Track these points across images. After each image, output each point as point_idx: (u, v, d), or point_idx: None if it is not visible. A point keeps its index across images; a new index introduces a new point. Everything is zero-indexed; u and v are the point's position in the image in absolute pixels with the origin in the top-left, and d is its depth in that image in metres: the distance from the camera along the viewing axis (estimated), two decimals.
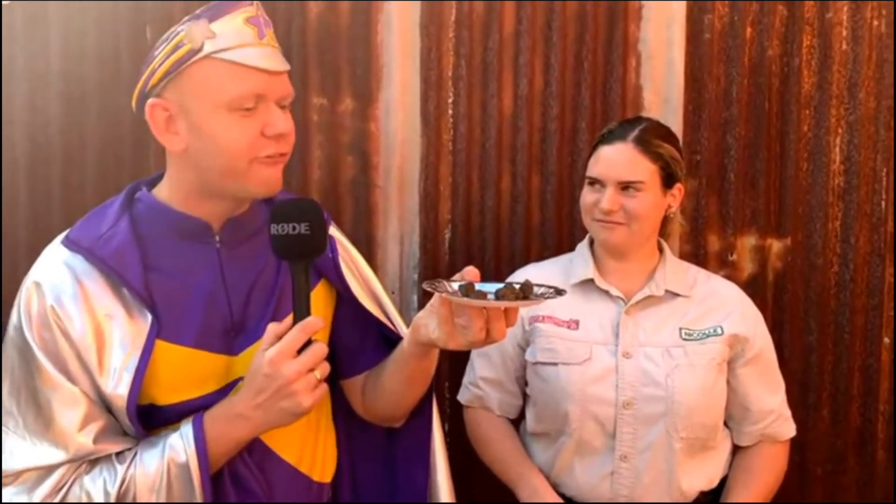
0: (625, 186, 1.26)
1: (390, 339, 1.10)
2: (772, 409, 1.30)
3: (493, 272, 1.72)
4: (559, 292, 0.87)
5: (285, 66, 0.96)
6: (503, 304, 0.84)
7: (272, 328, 0.90)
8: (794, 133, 1.66)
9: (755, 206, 1.68)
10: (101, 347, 0.92)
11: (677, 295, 1.30)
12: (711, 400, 1.25)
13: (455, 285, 0.88)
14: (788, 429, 1.33)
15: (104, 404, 0.93)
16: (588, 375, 1.25)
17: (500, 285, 0.88)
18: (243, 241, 1.02)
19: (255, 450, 0.99)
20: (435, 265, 1.73)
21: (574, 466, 1.27)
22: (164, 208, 0.98)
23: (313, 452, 1.06)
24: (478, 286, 0.88)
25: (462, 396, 1.43)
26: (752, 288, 1.60)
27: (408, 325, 1.02)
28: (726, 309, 1.30)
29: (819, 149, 1.65)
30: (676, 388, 1.22)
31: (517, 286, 0.87)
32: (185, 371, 0.96)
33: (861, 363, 1.67)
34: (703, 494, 1.28)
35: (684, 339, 1.26)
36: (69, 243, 0.96)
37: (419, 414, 1.11)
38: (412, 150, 1.72)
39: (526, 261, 1.68)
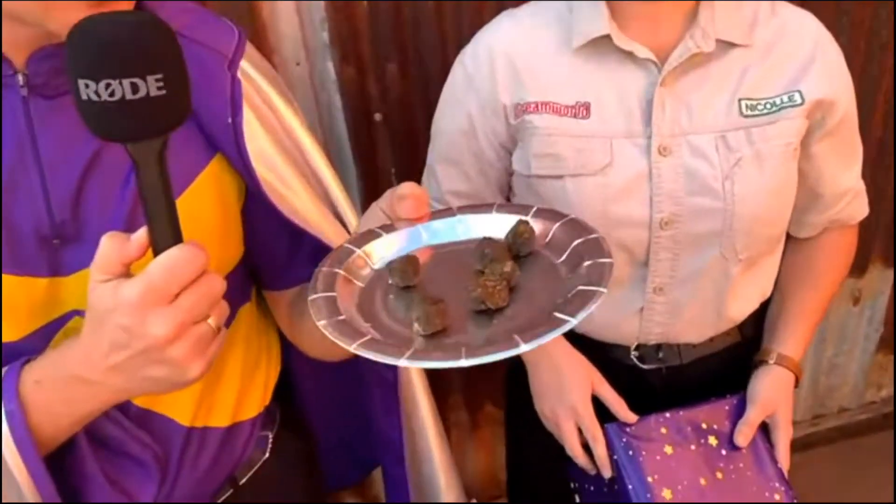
0: None
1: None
2: (847, 189, 0.97)
3: (436, 38, 1.20)
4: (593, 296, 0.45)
5: None
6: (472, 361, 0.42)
7: (110, 245, 0.50)
8: None
9: None
10: None
11: (733, 45, 0.86)
12: (783, 201, 0.90)
13: (376, 262, 0.53)
14: (861, 207, 1.00)
15: None
16: (610, 189, 0.86)
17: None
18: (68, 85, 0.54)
19: (129, 410, 0.66)
20: (350, 21, 1.20)
21: None
22: None
23: (226, 396, 0.73)
24: (426, 239, 0.53)
25: None
26: None
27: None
28: (802, 58, 0.87)
29: None
30: (738, 194, 0.85)
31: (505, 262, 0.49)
32: None
33: None
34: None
35: (746, 116, 0.86)
36: None
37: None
38: None
39: (479, 17, 1.17)
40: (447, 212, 0.55)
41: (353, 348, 0.43)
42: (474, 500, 1.86)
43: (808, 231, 1.00)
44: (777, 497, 0.87)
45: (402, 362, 0.41)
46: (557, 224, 0.54)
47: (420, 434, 0.89)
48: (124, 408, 0.65)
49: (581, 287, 0.46)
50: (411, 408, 0.87)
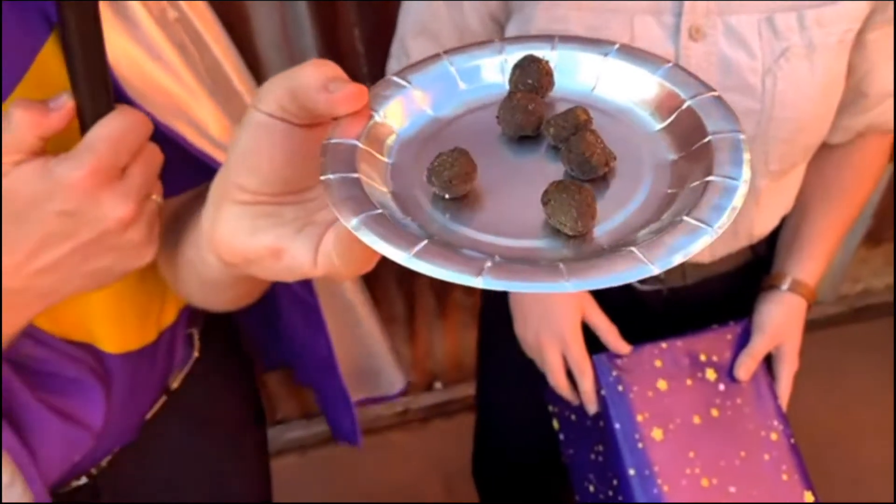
0: None
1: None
2: (892, 91, 0.81)
3: None
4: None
5: None
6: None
7: (23, 116, 0.40)
8: None
9: None
10: None
11: None
12: (830, 104, 0.74)
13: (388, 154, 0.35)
14: None
15: None
16: None
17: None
18: None
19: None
20: None
21: None
22: None
23: (147, 311, 0.62)
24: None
25: None
26: None
27: None
28: None
29: None
30: (780, 94, 0.69)
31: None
32: None
33: None
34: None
35: None
36: None
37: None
38: None
39: None
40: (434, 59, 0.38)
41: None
42: (439, 384, 1.82)
43: (841, 136, 0.85)
44: (773, 436, 0.80)
45: (650, 269, 0.28)
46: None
47: (353, 330, 0.84)
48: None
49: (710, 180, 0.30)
50: (340, 311, 0.80)
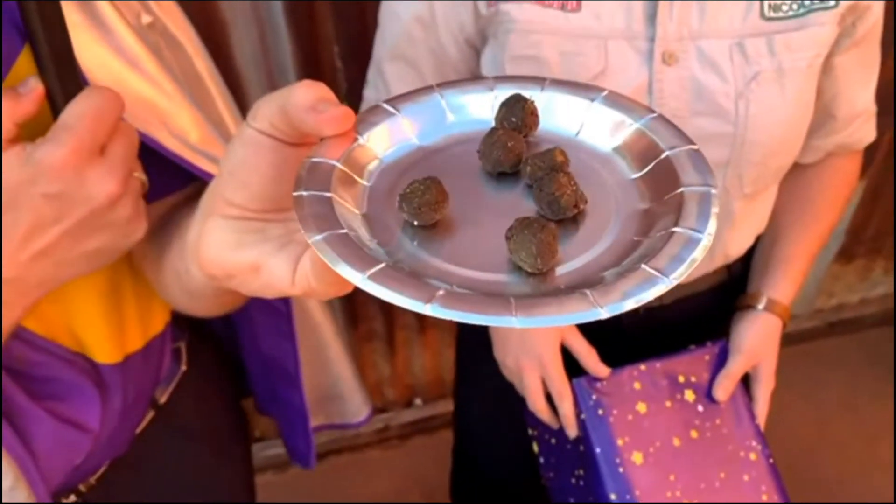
0: None
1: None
2: (862, 111, 0.82)
3: None
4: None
5: None
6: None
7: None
8: None
9: None
10: None
11: None
12: (801, 127, 0.75)
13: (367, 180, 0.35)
14: (871, 131, 0.86)
15: None
16: None
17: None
18: None
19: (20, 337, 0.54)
20: None
21: None
22: None
23: (132, 316, 0.61)
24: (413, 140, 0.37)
25: None
26: None
27: None
28: None
29: None
30: (752, 117, 0.70)
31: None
32: None
33: None
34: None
35: (769, 20, 0.69)
36: None
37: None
38: None
39: None
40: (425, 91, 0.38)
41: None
42: (419, 400, 1.81)
43: (811, 156, 0.86)
44: (752, 456, 0.80)
45: (599, 313, 0.27)
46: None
47: (319, 352, 0.83)
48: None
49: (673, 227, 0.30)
50: (308, 332, 0.78)
